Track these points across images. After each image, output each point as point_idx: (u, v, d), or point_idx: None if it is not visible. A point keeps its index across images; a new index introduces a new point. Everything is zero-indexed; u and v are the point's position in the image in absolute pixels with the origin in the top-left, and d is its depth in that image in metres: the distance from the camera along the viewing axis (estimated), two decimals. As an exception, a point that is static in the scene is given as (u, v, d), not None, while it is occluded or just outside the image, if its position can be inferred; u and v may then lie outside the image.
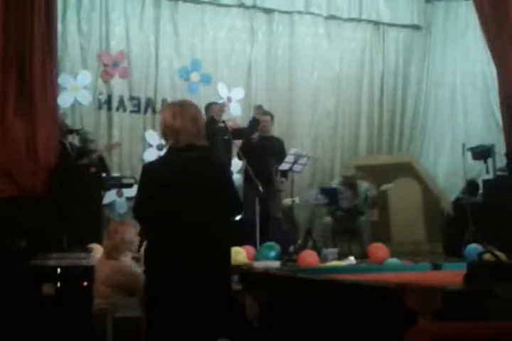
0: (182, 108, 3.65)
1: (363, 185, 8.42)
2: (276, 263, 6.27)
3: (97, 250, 5.58)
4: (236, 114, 10.09)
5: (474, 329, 2.41)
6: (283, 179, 8.28)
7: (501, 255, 4.30)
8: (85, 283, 5.06)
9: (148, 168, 3.75)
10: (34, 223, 6.28)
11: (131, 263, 4.86)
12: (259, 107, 8.63)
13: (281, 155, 8.20)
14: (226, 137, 7.97)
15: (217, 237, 3.57)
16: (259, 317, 3.79)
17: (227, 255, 3.69)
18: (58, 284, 5.31)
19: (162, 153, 9.28)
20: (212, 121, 7.82)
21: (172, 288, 3.48)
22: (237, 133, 8.24)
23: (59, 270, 5.40)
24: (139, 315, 4.44)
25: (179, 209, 3.52)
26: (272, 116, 8.70)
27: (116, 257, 4.81)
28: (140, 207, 3.64)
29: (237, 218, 8.18)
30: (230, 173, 3.83)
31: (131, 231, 4.85)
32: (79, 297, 5.04)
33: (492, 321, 2.56)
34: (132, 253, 4.94)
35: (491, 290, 2.70)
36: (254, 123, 8.23)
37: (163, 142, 9.42)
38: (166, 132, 3.63)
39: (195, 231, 3.50)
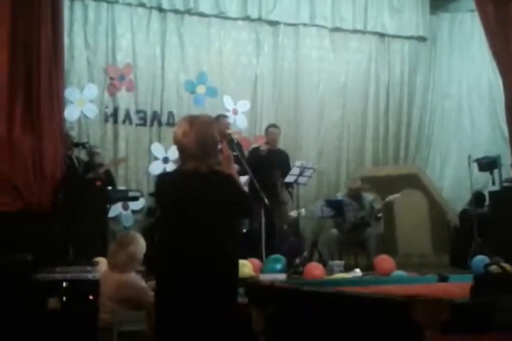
0: (192, 126, 3.59)
1: (368, 197, 8.41)
2: (282, 276, 6.24)
3: (103, 264, 5.56)
4: (242, 126, 10.11)
5: (481, 342, 2.40)
6: (290, 189, 8.26)
7: (508, 266, 4.27)
8: (91, 297, 5.04)
9: (161, 179, 3.93)
10: (40, 237, 6.27)
11: (136, 277, 4.84)
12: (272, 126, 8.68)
13: (286, 168, 8.18)
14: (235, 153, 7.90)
15: (226, 250, 3.58)
16: (265, 331, 3.78)
17: (235, 267, 3.69)
18: (64, 298, 5.29)
19: (168, 165, 9.34)
20: None
21: (179, 299, 3.48)
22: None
23: (65, 284, 5.39)
24: (144, 329, 4.43)
25: (188, 222, 3.54)
26: (279, 129, 8.71)
27: (121, 271, 4.79)
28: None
29: (244, 230, 8.21)
30: (235, 182, 3.78)
31: (140, 247, 4.84)
32: (85, 311, 5.02)
33: (499, 333, 2.54)
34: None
35: (497, 303, 2.68)
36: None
37: (168, 155, 9.45)
38: (177, 147, 3.66)
39: (203, 244, 3.51)
